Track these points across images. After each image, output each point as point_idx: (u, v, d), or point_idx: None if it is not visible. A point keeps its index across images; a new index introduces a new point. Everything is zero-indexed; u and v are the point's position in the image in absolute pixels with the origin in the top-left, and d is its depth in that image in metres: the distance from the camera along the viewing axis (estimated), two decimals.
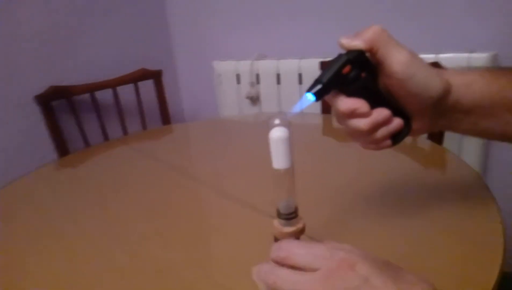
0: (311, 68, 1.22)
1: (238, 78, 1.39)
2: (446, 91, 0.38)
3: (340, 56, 0.37)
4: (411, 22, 1.12)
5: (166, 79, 1.38)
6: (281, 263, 0.32)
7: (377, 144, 0.40)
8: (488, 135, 0.43)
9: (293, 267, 0.31)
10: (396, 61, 0.36)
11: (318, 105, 1.18)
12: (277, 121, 0.35)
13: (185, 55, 1.65)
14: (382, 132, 0.39)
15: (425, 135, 0.95)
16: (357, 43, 0.37)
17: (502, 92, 0.38)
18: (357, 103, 0.37)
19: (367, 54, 0.37)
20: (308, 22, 1.30)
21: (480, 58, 0.99)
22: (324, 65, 1.14)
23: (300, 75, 1.26)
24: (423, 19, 1.11)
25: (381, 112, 0.38)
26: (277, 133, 0.35)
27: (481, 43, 1.03)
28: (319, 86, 0.37)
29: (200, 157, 0.83)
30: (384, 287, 0.28)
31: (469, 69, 0.40)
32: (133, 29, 1.47)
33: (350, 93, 0.38)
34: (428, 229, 0.48)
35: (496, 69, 0.40)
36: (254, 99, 1.38)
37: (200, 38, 1.57)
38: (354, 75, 0.37)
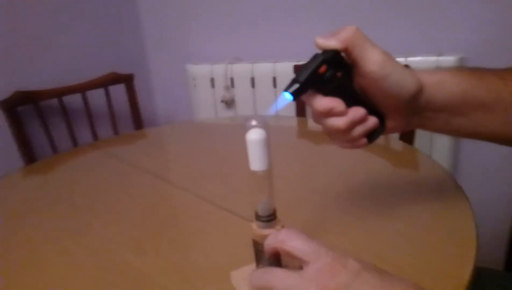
0: (286, 72, 1.23)
1: (212, 81, 1.38)
2: (419, 90, 0.39)
3: (316, 56, 0.38)
4: (381, 26, 1.14)
5: (138, 83, 1.36)
6: (277, 247, 0.33)
7: (353, 143, 0.41)
8: (459, 133, 0.44)
9: (287, 254, 0.33)
10: (371, 61, 0.37)
11: (293, 108, 1.19)
12: (253, 123, 0.35)
13: (158, 59, 1.62)
14: (358, 130, 0.39)
15: (396, 136, 0.98)
16: (333, 43, 0.37)
17: (472, 91, 0.40)
18: (333, 102, 0.38)
19: (343, 54, 0.38)
20: (282, 26, 1.31)
21: (447, 61, 1.02)
22: (297, 69, 1.15)
23: (274, 79, 1.26)
24: (392, 22, 1.14)
25: (357, 111, 0.39)
26: (254, 135, 0.34)
27: (448, 47, 1.07)
28: (296, 86, 0.37)
29: (175, 161, 0.82)
30: (374, 282, 0.29)
31: (440, 69, 0.41)
32: (103, 31, 1.44)
33: (326, 93, 0.38)
34: (404, 227, 0.49)
35: (465, 69, 0.42)
36: (229, 103, 1.37)
37: (173, 41, 1.56)
38: (330, 74, 0.37)
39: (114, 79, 1.28)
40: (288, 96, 0.37)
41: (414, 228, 0.49)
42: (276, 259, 0.38)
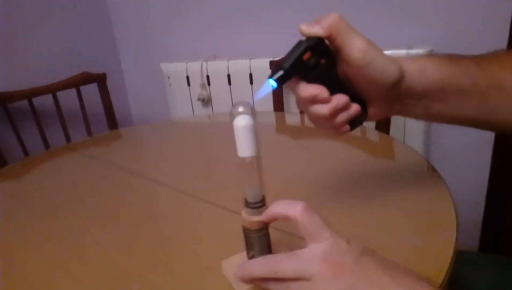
0: (262, 68, 1.23)
1: (188, 79, 1.37)
2: (401, 77, 0.40)
3: (300, 42, 0.38)
4: (352, 20, 1.17)
5: (110, 83, 1.32)
6: (289, 216, 0.34)
7: (336, 129, 0.42)
8: (438, 119, 0.45)
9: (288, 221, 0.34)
10: (355, 48, 0.37)
11: (270, 102, 1.19)
12: (240, 109, 0.35)
13: (130, 58, 1.59)
14: (342, 117, 0.40)
15: (373, 125, 1.01)
16: (317, 30, 0.38)
17: (451, 77, 0.41)
18: (317, 89, 0.38)
19: (326, 41, 0.38)
20: (257, 22, 1.32)
21: (417, 54, 1.06)
22: (273, 64, 1.16)
23: (250, 75, 1.26)
24: (362, 16, 1.17)
25: (341, 98, 0.39)
26: (242, 121, 0.35)
27: (417, 40, 1.11)
28: (280, 72, 0.38)
29: (155, 160, 0.80)
30: (378, 260, 0.32)
31: (420, 56, 0.42)
32: (73, 31, 1.40)
33: (310, 80, 0.39)
34: (386, 211, 0.50)
35: (443, 55, 0.43)
36: (206, 101, 1.36)
37: (146, 40, 1.53)
38: (314, 61, 0.38)
39: (86, 79, 1.24)
40: (272, 83, 0.38)
41: (396, 212, 0.50)
42: (267, 246, 0.39)
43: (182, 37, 1.46)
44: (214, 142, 0.86)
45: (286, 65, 0.37)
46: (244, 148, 0.35)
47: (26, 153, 1.10)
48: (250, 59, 1.26)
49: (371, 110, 0.43)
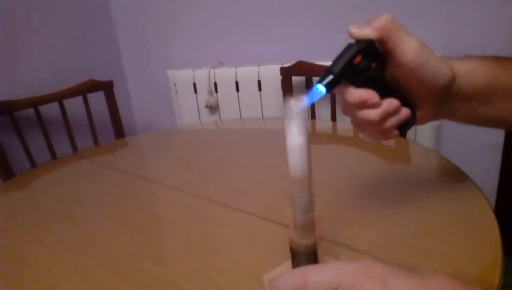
0: (271, 75, 1.22)
1: (195, 87, 1.35)
2: (453, 79, 0.38)
3: (350, 46, 0.37)
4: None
5: (115, 90, 1.30)
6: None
7: (384, 134, 0.40)
8: (483, 122, 0.44)
9: None
10: (407, 49, 0.36)
11: (281, 110, 1.18)
12: (295, 129, 0.33)
13: (135, 65, 1.58)
14: (391, 122, 0.39)
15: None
16: (367, 32, 0.36)
17: (499, 79, 0.40)
18: (367, 94, 0.37)
19: (376, 44, 0.37)
20: (265, 29, 1.32)
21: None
22: (284, 71, 1.15)
23: (259, 82, 1.26)
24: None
25: (391, 102, 0.38)
26: (296, 140, 0.33)
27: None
28: (330, 77, 0.36)
29: (171, 166, 0.78)
30: (404, 284, 0.27)
31: (468, 57, 0.41)
32: (77, 38, 1.38)
33: (359, 84, 0.37)
34: (423, 215, 0.49)
35: (491, 57, 0.42)
36: (213, 108, 1.35)
37: (151, 47, 1.52)
38: (364, 65, 0.36)
39: (92, 86, 1.22)
40: (321, 89, 0.36)
41: (433, 216, 0.49)
42: (314, 258, 0.37)
43: (188, 44, 1.45)
44: (226, 148, 0.84)
45: (336, 69, 0.36)
46: (296, 167, 0.34)
47: (32, 161, 1.07)
48: (258, 65, 1.25)
49: (419, 114, 0.41)
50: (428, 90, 0.39)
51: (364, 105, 0.37)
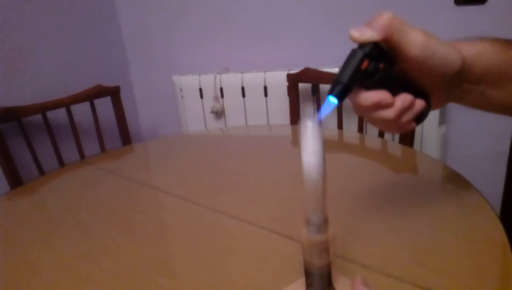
0: (277, 81, 1.23)
1: (201, 92, 1.36)
2: (463, 63, 0.38)
3: (354, 51, 0.36)
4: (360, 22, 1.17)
5: (121, 96, 1.31)
6: None
7: (402, 128, 0.40)
8: (493, 107, 0.43)
9: None
10: (413, 44, 0.36)
11: (287, 117, 1.19)
12: (310, 149, 0.33)
13: (141, 70, 1.58)
14: (407, 116, 0.39)
15: (397, 139, 1.00)
16: (370, 35, 0.36)
17: (509, 62, 0.39)
18: (380, 95, 0.37)
19: (381, 43, 0.37)
20: (271, 35, 1.32)
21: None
22: (290, 78, 1.15)
23: (265, 88, 1.26)
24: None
25: (405, 99, 0.38)
26: (312, 160, 0.33)
27: None
28: (340, 87, 0.36)
29: (178, 175, 0.78)
30: None
31: (477, 39, 0.41)
32: (85, 43, 1.39)
33: (370, 86, 0.37)
34: (431, 230, 0.49)
35: (501, 39, 0.41)
36: (219, 113, 1.35)
37: (157, 52, 1.52)
38: (373, 68, 0.36)
39: (100, 92, 1.23)
40: (333, 100, 0.36)
41: (444, 231, 0.49)
42: (328, 277, 0.37)
43: (194, 49, 1.45)
44: (233, 156, 0.85)
45: (345, 78, 0.35)
46: (311, 187, 0.34)
47: (40, 167, 1.08)
48: (264, 71, 1.25)
49: (432, 100, 0.41)
50: (438, 78, 0.38)
51: (378, 106, 0.37)
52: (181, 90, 1.39)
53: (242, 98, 1.30)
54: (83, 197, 0.71)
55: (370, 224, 0.52)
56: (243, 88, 1.29)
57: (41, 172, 1.08)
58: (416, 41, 0.36)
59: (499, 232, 0.47)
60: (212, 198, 0.64)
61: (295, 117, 1.16)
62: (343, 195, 0.61)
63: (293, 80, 1.14)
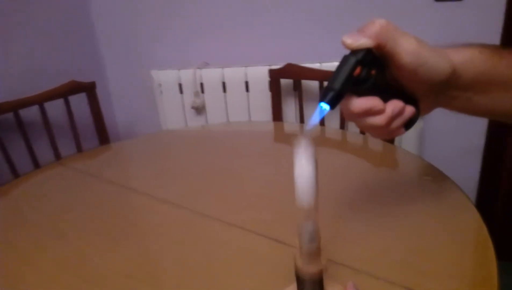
0: (258, 76, 1.21)
1: (180, 87, 1.33)
2: (453, 71, 0.38)
3: (346, 58, 0.36)
4: (349, 19, 1.17)
5: (97, 92, 1.26)
6: None
7: (391, 134, 0.40)
8: (478, 112, 0.44)
9: None
10: (405, 52, 0.36)
11: (269, 112, 1.18)
12: (303, 160, 0.33)
13: (117, 65, 1.53)
14: (397, 122, 0.39)
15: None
16: (364, 42, 0.35)
17: (496, 68, 0.40)
18: (371, 102, 0.37)
19: (373, 50, 0.36)
20: (252, 29, 1.30)
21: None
22: (272, 73, 1.14)
23: (247, 83, 1.24)
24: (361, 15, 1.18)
25: (396, 105, 0.38)
26: (304, 172, 0.33)
27: None
28: (332, 94, 0.35)
29: (159, 176, 0.76)
30: None
31: (466, 46, 0.41)
32: (57, 38, 1.33)
33: (362, 93, 0.37)
34: (421, 231, 0.50)
35: (489, 46, 0.42)
36: (200, 109, 1.33)
37: (134, 46, 1.48)
38: (365, 74, 0.36)
39: (75, 88, 1.18)
40: (325, 107, 0.36)
41: (428, 231, 0.50)
42: (319, 284, 0.37)
43: (173, 44, 1.42)
44: (215, 155, 0.83)
45: (337, 85, 0.35)
46: (303, 198, 0.33)
47: (13, 169, 1.03)
48: (246, 66, 1.24)
49: (421, 106, 0.41)
50: (428, 85, 0.39)
51: (369, 113, 0.37)
52: (160, 85, 1.36)
53: (223, 93, 1.29)
54: (61, 202, 0.68)
55: (357, 225, 0.52)
56: (224, 83, 1.27)
57: (15, 174, 1.03)
58: (408, 49, 0.36)
59: (482, 231, 0.48)
60: (196, 200, 0.63)
61: (277, 113, 1.15)
62: (327, 194, 0.61)
63: (275, 76, 1.13)
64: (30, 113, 1.10)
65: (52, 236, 0.57)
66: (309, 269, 0.36)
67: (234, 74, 1.25)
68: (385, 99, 0.38)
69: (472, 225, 0.50)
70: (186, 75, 1.30)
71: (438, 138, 1.21)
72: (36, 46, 1.27)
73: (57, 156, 1.13)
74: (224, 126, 1.16)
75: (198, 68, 1.30)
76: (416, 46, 0.36)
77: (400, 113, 0.38)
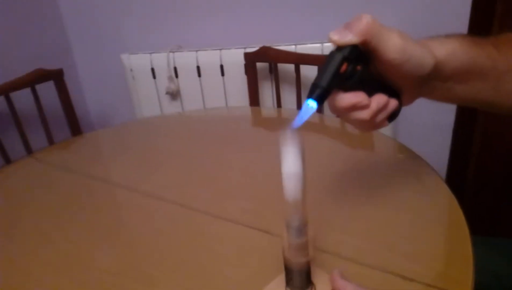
0: (233, 60, 1.20)
1: (153, 72, 1.29)
2: (436, 65, 0.40)
3: (332, 54, 0.37)
4: (336, 8, 1.17)
5: (66, 79, 1.21)
6: None
7: (375, 127, 0.42)
8: (458, 100, 0.47)
9: None
10: (391, 48, 0.37)
11: (246, 97, 1.17)
12: (290, 157, 0.33)
13: (85, 49, 1.47)
14: (381, 116, 0.40)
15: None
16: (350, 38, 0.36)
17: (476, 59, 0.42)
18: (357, 97, 0.38)
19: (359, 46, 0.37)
20: (226, 11, 1.27)
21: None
22: (248, 57, 1.13)
23: (222, 67, 1.22)
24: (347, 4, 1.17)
25: (380, 100, 0.39)
26: (292, 168, 0.33)
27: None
28: (319, 91, 0.36)
29: (140, 169, 0.75)
30: None
31: (448, 38, 0.42)
32: (19, 22, 1.25)
33: (347, 88, 0.38)
34: (396, 214, 0.52)
35: (468, 36, 0.43)
36: (174, 94, 1.30)
37: (102, 29, 1.41)
38: (351, 70, 0.37)
39: (42, 76, 1.13)
40: (312, 104, 0.36)
41: (405, 213, 0.52)
42: (307, 273, 0.39)
43: (143, 25, 1.36)
44: (194, 144, 0.83)
45: (324, 82, 0.36)
46: (291, 193, 0.34)
47: None
48: (220, 49, 1.22)
49: (403, 98, 0.43)
50: (412, 79, 0.40)
51: (354, 108, 0.38)
52: (131, 70, 1.31)
53: (198, 78, 1.26)
54: (37, 199, 0.66)
55: (339, 210, 0.54)
56: (198, 68, 1.25)
57: None
58: (394, 46, 0.37)
59: (457, 212, 0.50)
60: (180, 193, 0.63)
61: (254, 97, 1.15)
62: (308, 178, 0.62)
63: (250, 60, 1.12)
64: None
65: (34, 236, 0.56)
66: (297, 260, 0.37)
67: (208, 58, 1.23)
68: (370, 93, 0.39)
69: (447, 207, 0.53)
70: (159, 59, 1.27)
71: (410, 114, 1.25)
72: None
73: (28, 149, 1.09)
74: (201, 113, 1.15)
75: (171, 51, 1.26)
76: (401, 42, 0.37)
77: (384, 107, 0.40)
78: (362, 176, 0.62)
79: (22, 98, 1.09)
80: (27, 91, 1.09)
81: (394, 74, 0.40)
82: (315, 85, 0.36)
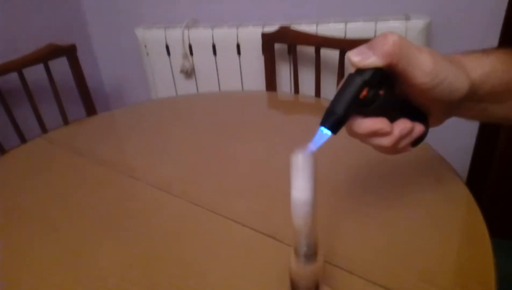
0: (251, 38, 1.14)
1: (168, 49, 1.25)
2: (470, 87, 0.35)
3: (352, 77, 0.32)
4: None
5: (79, 53, 1.19)
6: None
7: (398, 153, 0.38)
8: (492, 119, 0.42)
9: None
10: (421, 71, 0.32)
11: (262, 78, 1.13)
12: (301, 184, 0.30)
13: (100, 24, 1.43)
14: (405, 142, 0.36)
15: None
16: (373, 61, 0.31)
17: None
18: (377, 124, 0.34)
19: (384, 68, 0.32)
20: None
21: (415, 25, 1.01)
22: (265, 37, 1.07)
23: (238, 45, 1.17)
24: None
25: (404, 127, 0.35)
26: (302, 196, 0.30)
27: (414, 8, 1.06)
28: (334, 118, 0.32)
29: (149, 157, 0.73)
30: None
31: (489, 55, 0.37)
32: None
33: (368, 113, 0.34)
34: (418, 228, 0.49)
35: (508, 52, 0.39)
36: (189, 73, 1.27)
37: (117, 2, 1.37)
38: (372, 95, 0.32)
39: (54, 52, 1.11)
40: (326, 132, 0.32)
41: (422, 215, 0.49)
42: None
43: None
44: (209, 133, 0.80)
45: (340, 109, 0.31)
46: (300, 222, 0.31)
47: None
48: (237, 27, 1.16)
49: (431, 120, 0.39)
50: (442, 104, 0.36)
51: (374, 135, 0.34)
52: (145, 46, 1.28)
53: (213, 56, 1.22)
54: (50, 185, 0.66)
55: (354, 220, 0.51)
56: (214, 46, 1.20)
57: (1, 148, 0.99)
58: (424, 69, 0.32)
59: (481, 225, 0.47)
60: (186, 186, 0.61)
61: (270, 80, 1.10)
62: (320, 182, 0.59)
63: (268, 40, 1.07)
64: (9, 81, 1.03)
65: (43, 226, 0.55)
66: (305, 286, 0.35)
67: (224, 36, 1.18)
68: (393, 118, 0.35)
69: (470, 220, 0.49)
70: (174, 36, 1.23)
71: None
72: (11, 7, 1.17)
73: (42, 126, 1.09)
74: (216, 96, 1.11)
75: (186, 27, 1.22)
76: (433, 65, 0.32)
77: (408, 133, 0.35)
78: (379, 181, 0.58)
79: (36, 74, 1.07)
80: (40, 67, 1.07)
81: (422, 98, 0.35)
82: (330, 112, 0.32)
